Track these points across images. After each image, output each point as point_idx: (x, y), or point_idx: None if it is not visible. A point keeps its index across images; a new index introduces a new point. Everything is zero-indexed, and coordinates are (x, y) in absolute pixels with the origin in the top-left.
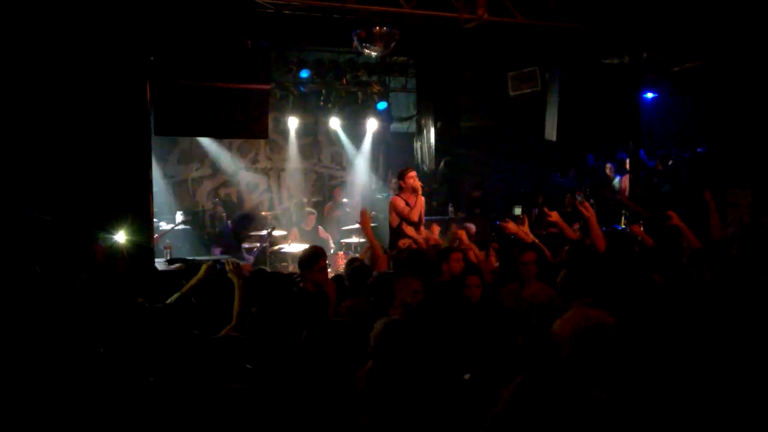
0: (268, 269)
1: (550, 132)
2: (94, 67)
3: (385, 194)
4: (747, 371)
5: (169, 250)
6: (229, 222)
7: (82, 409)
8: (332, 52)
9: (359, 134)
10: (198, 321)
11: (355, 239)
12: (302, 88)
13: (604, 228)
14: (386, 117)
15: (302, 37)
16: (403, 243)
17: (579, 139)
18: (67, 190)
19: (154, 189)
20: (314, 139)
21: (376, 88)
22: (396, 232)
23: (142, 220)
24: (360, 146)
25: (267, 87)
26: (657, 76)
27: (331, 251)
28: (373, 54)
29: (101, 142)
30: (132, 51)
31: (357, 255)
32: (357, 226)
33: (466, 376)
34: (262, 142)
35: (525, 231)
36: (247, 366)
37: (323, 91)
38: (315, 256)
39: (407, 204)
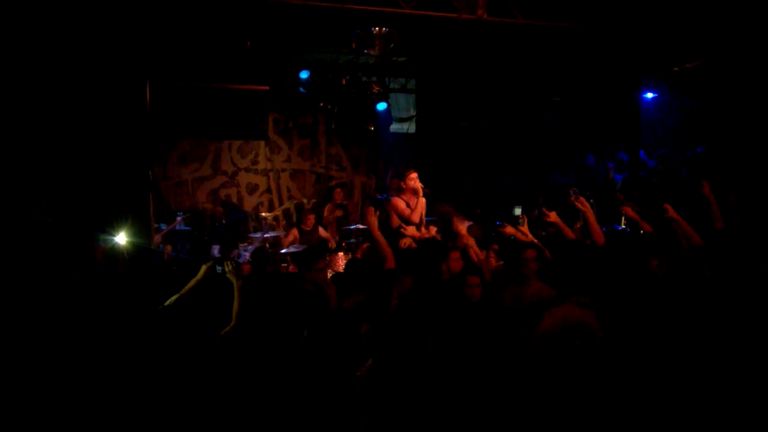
0: (268, 270)
1: (550, 132)
2: (94, 70)
3: (385, 195)
4: (746, 369)
5: (169, 251)
6: (223, 220)
7: (82, 409)
8: (332, 53)
9: (359, 135)
10: (197, 322)
11: (355, 239)
12: (302, 89)
13: (603, 228)
14: (386, 117)
15: (302, 37)
16: (404, 243)
17: (579, 139)
18: (67, 192)
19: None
20: (314, 140)
21: (375, 89)
22: (396, 233)
23: (142, 221)
24: (360, 147)
25: (267, 88)
26: (657, 76)
27: (331, 251)
28: (373, 54)
29: (101, 143)
30: (132, 53)
31: (357, 256)
32: (357, 226)
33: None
34: (261, 143)
35: (524, 231)
36: (247, 366)
37: (323, 91)
38: (314, 257)
39: (408, 205)
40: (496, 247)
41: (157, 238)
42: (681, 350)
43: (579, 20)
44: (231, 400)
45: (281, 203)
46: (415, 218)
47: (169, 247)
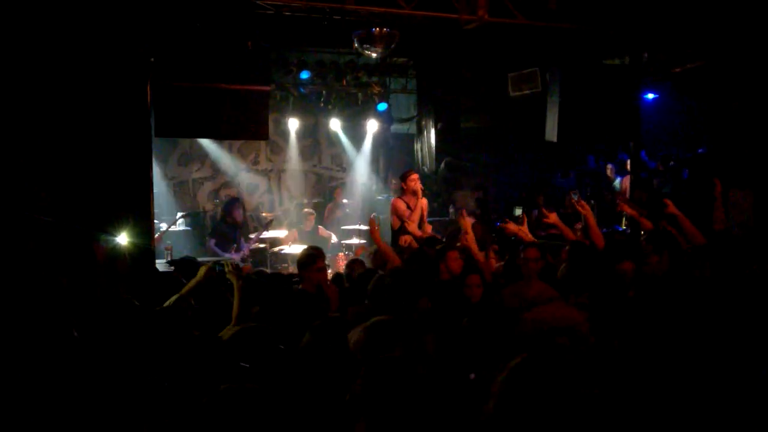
0: (268, 270)
1: (551, 133)
2: (94, 69)
3: (385, 195)
4: (744, 368)
5: (170, 251)
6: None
7: (81, 410)
8: (332, 53)
9: (359, 135)
10: (197, 322)
11: (355, 240)
12: (302, 90)
13: (604, 230)
14: (386, 118)
15: (302, 38)
16: (404, 240)
17: (580, 140)
18: (67, 191)
19: (155, 190)
20: (314, 140)
21: (376, 89)
22: (397, 234)
23: (143, 221)
24: (360, 147)
25: (267, 88)
26: (658, 76)
27: (329, 250)
28: (374, 55)
29: (102, 143)
30: (133, 52)
31: (357, 256)
32: (357, 227)
33: (471, 376)
34: (262, 143)
35: (524, 231)
36: (247, 366)
37: (323, 92)
38: (313, 257)
39: (408, 206)
40: (495, 247)
41: (159, 237)
42: (680, 350)
43: (580, 21)
44: (231, 400)
45: (282, 203)
46: (415, 219)
47: (169, 247)
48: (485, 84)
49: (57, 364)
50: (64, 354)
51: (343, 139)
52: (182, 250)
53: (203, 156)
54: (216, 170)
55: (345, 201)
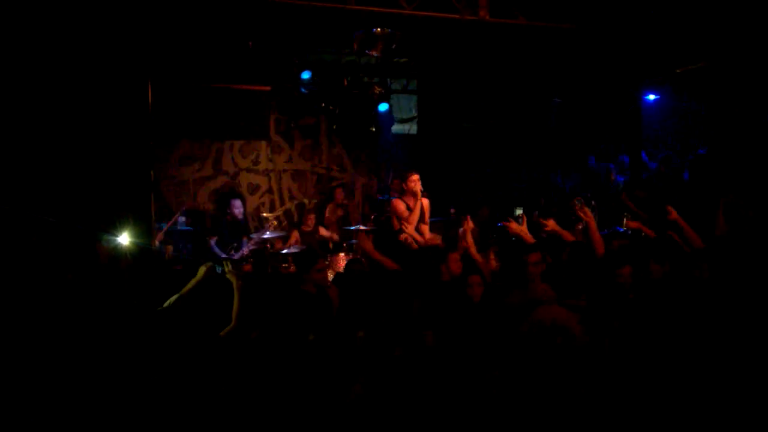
0: (269, 271)
1: (552, 133)
2: (95, 69)
3: (386, 195)
4: (743, 371)
5: (170, 251)
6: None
7: (82, 409)
8: (333, 54)
9: (360, 136)
10: (197, 322)
11: (355, 240)
12: (303, 90)
13: (605, 230)
14: (387, 118)
15: (304, 38)
16: (403, 237)
17: (580, 141)
18: (68, 192)
19: (155, 190)
20: (315, 140)
21: (377, 90)
22: (397, 235)
23: (143, 221)
24: (361, 148)
25: (268, 88)
26: (659, 77)
27: (330, 250)
28: (375, 55)
29: (103, 143)
30: (134, 53)
31: (358, 256)
32: (358, 227)
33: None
34: (263, 143)
35: (525, 231)
36: (247, 367)
37: (324, 92)
38: (313, 258)
39: (408, 207)
40: (496, 248)
41: (160, 235)
42: (679, 352)
43: (581, 21)
44: (231, 400)
45: (282, 204)
46: (413, 221)
47: (170, 247)
48: (487, 84)
49: (58, 364)
50: (67, 354)
51: (344, 139)
52: (183, 250)
53: (204, 156)
54: (217, 170)
55: (345, 202)
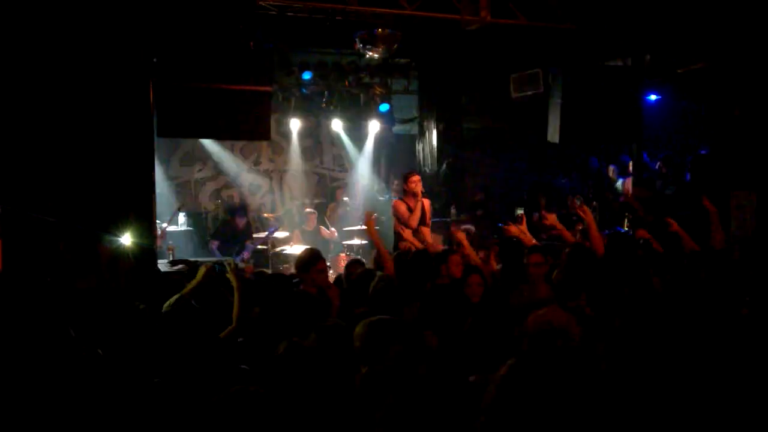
0: (270, 271)
1: (553, 134)
2: (97, 69)
3: (386, 196)
4: (742, 378)
5: (171, 252)
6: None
7: (82, 411)
8: (334, 54)
9: (361, 136)
10: (198, 323)
11: (357, 241)
12: (304, 90)
13: (606, 231)
14: (388, 119)
15: (305, 38)
16: (403, 246)
17: (582, 141)
18: (70, 192)
19: (157, 191)
20: (316, 140)
21: (378, 90)
22: (399, 236)
23: (145, 221)
24: (362, 148)
25: (269, 89)
26: (660, 78)
27: (331, 250)
28: (376, 56)
29: (104, 143)
30: (135, 53)
31: (359, 256)
32: (359, 227)
33: (471, 378)
34: (264, 143)
35: (525, 232)
36: (247, 367)
37: (325, 92)
38: (313, 258)
39: (409, 208)
40: (497, 249)
41: (163, 234)
42: (678, 355)
43: (582, 22)
44: (233, 401)
45: (283, 204)
46: (414, 222)
47: (171, 248)
48: (487, 85)
49: (59, 365)
50: (69, 354)
51: (345, 139)
52: (184, 251)
53: (205, 156)
54: (218, 171)
55: (346, 199)
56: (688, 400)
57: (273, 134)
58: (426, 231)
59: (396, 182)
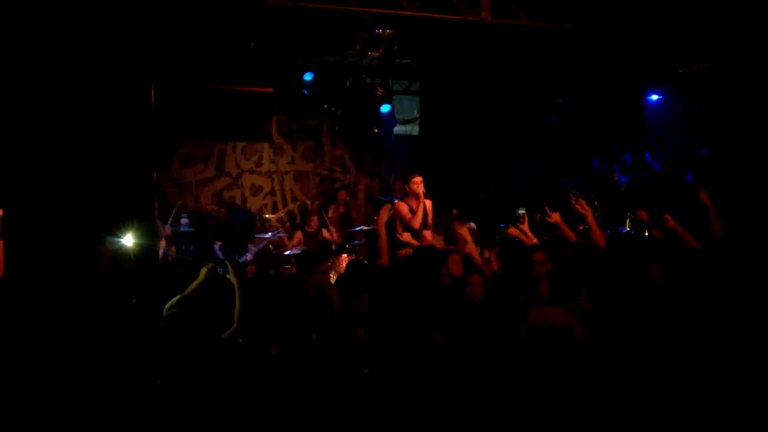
0: (271, 272)
1: (554, 134)
2: (98, 71)
3: (388, 197)
4: (742, 373)
5: (173, 253)
6: (231, 217)
7: (85, 412)
8: (335, 55)
9: (362, 137)
10: (199, 324)
11: (358, 241)
12: (305, 91)
13: (608, 231)
14: (390, 119)
15: (306, 39)
16: (404, 253)
17: (583, 141)
18: (71, 193)
19: (158, 192)
20: (317, 141)
21: (379, 91)
22: (397, 240)
23: (146, 222)
24: (363, 149)
25: (270, 90)
26: (662, 78)
27: (333, 251)
28: (377, 56)
29: (106, 145)
30: (137, 54)
31: (360, 257)
32: (360, 228)
33: (472, 378)
34: (265, 144)
35: (525, 230)
36: (247, 368)
37: (327, 93)
38: (314, 259)
39: (411, 210)
40: (497, 249)
41: (167, 232)
42: (678, 352)
43: (583, 22)
44: (233, 402)
45: (285, 205)
46: (416, 224)
47: (173, 249)
48: (489, 85)
49: (61, 366)
50: (71, 355)
51: (346, 140)
52: (185, 252)
53: (207, 157)
54: (219, 172)
55: (347, 198)
56: (690, 397)
57: (274, 135)
58: (427, 232)
59: (398, 183)
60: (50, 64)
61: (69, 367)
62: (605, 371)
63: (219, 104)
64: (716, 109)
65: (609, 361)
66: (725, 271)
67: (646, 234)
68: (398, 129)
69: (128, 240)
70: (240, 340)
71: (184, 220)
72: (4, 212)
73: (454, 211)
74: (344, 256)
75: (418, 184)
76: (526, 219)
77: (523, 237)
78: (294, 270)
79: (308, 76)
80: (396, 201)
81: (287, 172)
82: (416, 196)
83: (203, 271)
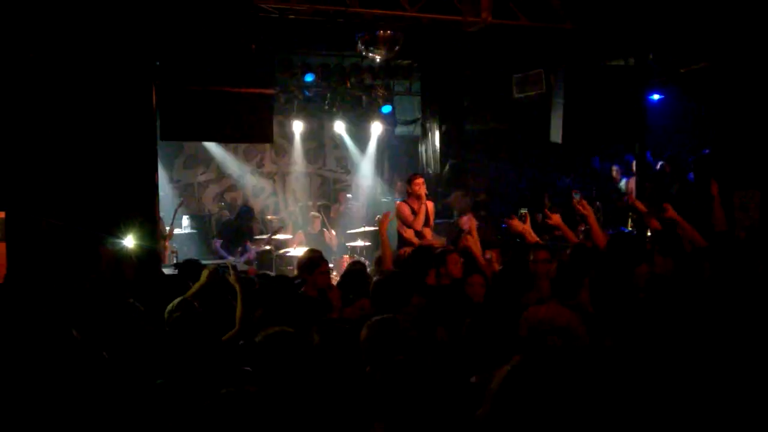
0: (273, 273)
1: (555, 134)
2: (101, 73)
3: (389, 198)
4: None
5: (175, 255)
6: (231, 216)
7: (86, 413)
8: (337, 56)
9: (364, 138)
10: (201, 326)
11: (360, 242)
12: (307, 92)
13: (610, 231)
14: (391, 120)
15: (307, 41)
16: (404, 252)
17: (585, 141)
18: (73, 194)
19: (160, 193)
20: (319, 143)
21: (380, 92)
22: (402, 237)
23: (149, 224)
24: (365, 150)
25: (271, 91)
26: (663, 77)
27: (335, 252)
28: (378, 57)
29: (108, 146)
30: (138, 56)
31: (361, 258)
32: (362, 229)
33: (473, 379)
34: (267, 146)
35: (529, 230)
36: (248, 369)
37: (328, 94)
38: (315, 261)
39: (412, 211)
40: (499, 249)
41: (170, 232)
42: (679, 351)
43: (584, 22)
44: (234, 403)
45: (287, 206)
46: (418, 225)
47: (175, 251)
48: (489, 85)
49: (62, 367)
50: (73, 356)
51: (348, 141)
52: (187, 253)
53: (208, 159)
54: (221, 173)
55: (349, 195)
56: (692, 395)
57: (276, 137)
58: (428, 232)
59: (399, 184)
60: (52, 67)
61: (71, 368)
62: (605, 371)
63: (220, 106)
64: (717, 109)
65: (610, 360)
66: (727, 270)
67: (648, 234)
68: (399, 130)
69: (130, 241)
70: (240, 343)
71: (186, 222)
72: (6, 214)
73: (456, 212)
74: (346, 257)
75: (420, 185)
76: (529, 219)
77: (526, 234)
78: (296, 271)
79: (309, 77)
80: (398, 202)
81: (288, 173)
82: (418, 197)
83: (205, 273)
